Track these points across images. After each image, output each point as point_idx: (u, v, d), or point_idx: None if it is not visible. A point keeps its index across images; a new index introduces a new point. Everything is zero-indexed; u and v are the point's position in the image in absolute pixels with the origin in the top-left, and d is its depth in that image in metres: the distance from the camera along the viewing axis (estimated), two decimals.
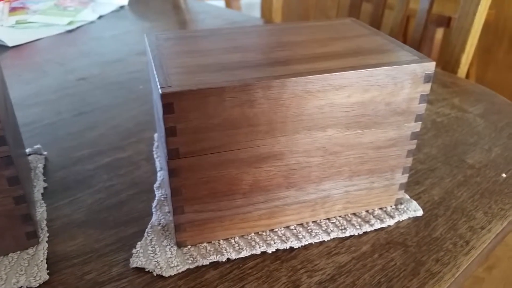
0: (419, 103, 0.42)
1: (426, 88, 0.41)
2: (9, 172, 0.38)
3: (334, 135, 0.41)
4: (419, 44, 1.02)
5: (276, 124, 0.39)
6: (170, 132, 0.36)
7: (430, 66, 0.41)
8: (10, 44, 0.95)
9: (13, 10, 1.13)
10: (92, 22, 1.12)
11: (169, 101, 0.35)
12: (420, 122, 0.43)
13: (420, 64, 0.40)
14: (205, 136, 0.37)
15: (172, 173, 0.38)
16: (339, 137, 0.41)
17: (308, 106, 0.39)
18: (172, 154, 0.37)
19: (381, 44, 0.44)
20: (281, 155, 0.41)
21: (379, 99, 0.40)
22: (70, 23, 1.09)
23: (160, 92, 0.34)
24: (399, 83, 0.40)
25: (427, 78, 0.41)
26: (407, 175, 0.46)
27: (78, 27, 1.08)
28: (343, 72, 0.38)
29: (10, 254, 0.41)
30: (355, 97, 0.40)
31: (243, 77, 0.37)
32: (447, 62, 0.92)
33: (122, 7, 1.24)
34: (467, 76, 0.93)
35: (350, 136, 0.41)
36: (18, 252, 0.42)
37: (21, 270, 0.40)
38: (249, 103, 0.37)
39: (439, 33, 1.80)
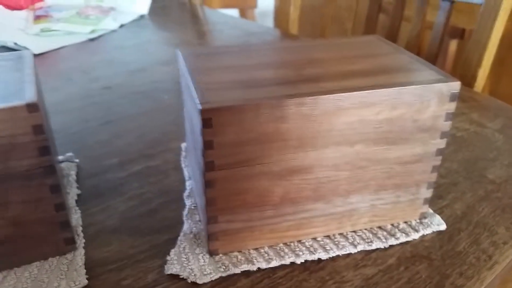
0: (444, 121, 0.43)
1: (452, 106, 0.43)
2: (51, 181, 0.40)
3: (362, 150, 0.42)
4: (435, 57, 1.04)
5: (307, 139, 0.40)
6: (207, 146, 0.38)
7: (455, 86, 0.42)
8: (36, 52, 0.97)
9: (37, 18, 1.16)
10: (113, 31, 1.14)
11: (208, 117, 0.36)
12: (446, 139, 0.44)
13: (446, 83, 0.41)
14: (240, 149, 0.39)
15: (208, 184, 0.40)
16: (367, 152, 0.43)
17: (338, 122, 0.40)
18: (208, 167, 0.39)
19: (407, 63, 0.45)
20: (310, 168, 0.42)
21: (407, 116, 0.42)
22: (92, 31, 1.11)
23: (200, 108, 0.36)
24: (425, 101, 0.42)
25: (453, 97, 0.42)
26: (432, 190, 0.48)
27: (100, 36, 1.11)
28: (373, 91, 0.39)
29: (49, 259, 0.43)
30: (384, 114, 0.41)
31: (277, 94, 0.38)
32: (464, 76, 0.93)
33: (142, 16, 1.27)
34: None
35: (378, 151, 0.43)
36: (57, 257, 0.43)
37: (62, 275, 0.41)
38: (283, 118, 0.39)
39: (453, 45, 1.82)
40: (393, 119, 0.41)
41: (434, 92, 0.41)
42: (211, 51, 0.48)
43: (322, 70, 0.44)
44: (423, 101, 0.41)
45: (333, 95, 0.39)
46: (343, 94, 0.39)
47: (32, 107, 0.36)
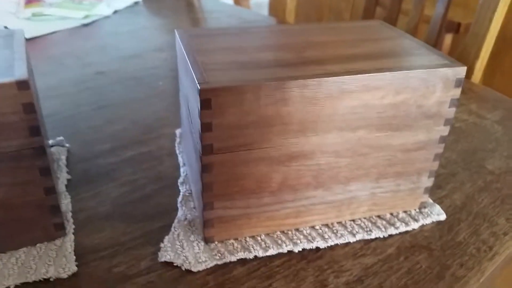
0: (449, 107, 0.42)
1: (457, 92, 0.42)
2: (41, 163, 0.39)
3: (364, 136, 0.41)
4: None
5: (309, 123, 0.39)
6: (206, 128, 0.36)
7: (461, 71, 0.41)
8: (27, 36, 0.95)
9: (29, 2, 1.13)
10: (107, 17, 1.12)
11: (207, 97, 0.35)
12: (449, 126, 0.43)
13: (452, 68, 0.40)
14: (239, 132, 0.37)
15: (205, 168, 0.38)
16: (369, 138, 0.41)
17: (341, 106, 0.39)
18: (206, 150, 0.37)
19: (412, 47, 0.44)
20: (311, 154, 0.41)
21: (411, 101, 0.41)
22: (85, 17, 1.09)
23: (199, 87, 0.34)
24: (431, 86, 0.40)
25: (458, 83, 0.41)
26: (433, 178, 0.47)
27: (93, 21, 1.08)
28: (378, 74, 0.38)
29: (38, 245, 0.42)
30: (388, 99, 0.40)
31: (279, 75, 0.37)
32: None
33: (136, 2, 1.24)
34: None
35: (380, 137, 0.42)
36: (46, 242, 0.42)
37: (50, 261, 0.40)
38: (284, 101, 0.37)
39: (448, 38, 1.81)
40: (397, 104, 0.40)
41: (439, 77, 0.40)
42: (209, 33, 0.47)
43: (324, 53, 0.42)
44: (428, 86, 0.40)
45: (338, 77, 0.37)
46: (347, 76, 0.37)
47: (22, 85, 0.35)
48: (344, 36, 0.47)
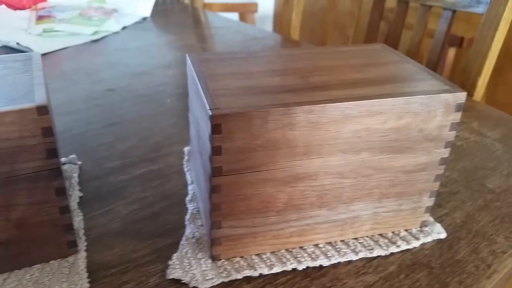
0: (449, 131, 0.44)
1: (457, 116, 0.43)
2: (57, 183, 0.40)
3: (367, 158, 0.43)
4: (435, 65, 1.04)
5: (314, 146, 0.41)
6: (216, 151, 0.38)
7: (461, 96, 0.42)
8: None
9: (40, 18, 1.16)
10: (116, 33, 1.14)
11: (218, 122, 0.37)
12: (449, 149, 0.45)
13: (452, 94, 0.42)
14: (247, 155, 0.39)
15: (214, 189, 0.40)
16: (372, 160, 0.43)
17: (345, 130, 0.40)
18: (215, 172, 0.39)
19: (413, 72, 0.46)
20: (316, 175, 0.42)
21: (413, 125, 0.42)
22: (95, 33, 1.12)
23: (210, 113, 0.36)
24: (432, 111, 0.42)
25: (458, 107, 0.43)
26: (434, 198, 0.48)
27: (102, 37, 1.11)
28: (380, 99, 0.40)
29: (51, 262, 0.43)
30: (390, 123, 0.41)
31: (286, 101, 0.39)
32: (463, 85, 0.94)
33: (144, 18, 1.27)
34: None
35: (383, 160, 0.43)
36: (59, 260, 0.43)
37: (63, 278, 0.41)
38: (290, 126, 0.39)
39: (451, 52, 1.83)
40: (399, 128, 0.42)
41: (440, 102, 0.42)
42: (219, 57, 0.49)
43: (330, 78, 0.44)
44: (430, 110, 0.42)
45: (341, 103, 0.39)
46: (351, 102, 0.39)
47: (42, 110, 0.36)
48: (348, 61, 0.48)
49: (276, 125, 0.38)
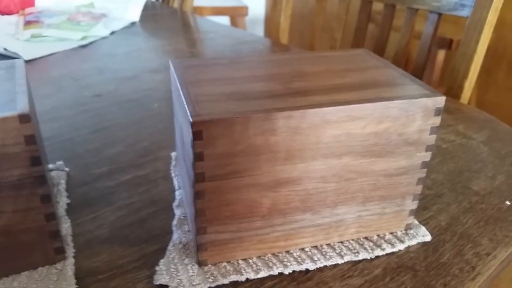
0: (429, 134, 0.44)
1: (437, 120, 0.44)
2: (42, 191, 0.41)
3: (349, 162, 0.43)
4: (423, 67, 1.05)
5: (295, 151, 0.41)
6: (198, 157, 0.38)
7: (440, 101, 0.43)
8: (26, 58, 0.97)
9: (28, 23, 1.16)
10: (104, 38, 1.15)
11: (199, 129, 0.37)
12: (430, 152, 0.45)
13: (431, 98, 0.43)
14: (229, 161, 0.40)
15: (198, 195, 0.40)
16: (354, 164, 0.43)
17: (325, 135, 0.41)
18: (198, 178, 0.39)
19: (393, 77, 0.47)
20: (298, 180, 0.43)
21: (392, 130, 0.43)
22: (83, 38, 1.12)
23: (191, 120, 0.37)
24: (411, 115, 0.43)
25: (438, 112, 0.43)
26: (417, 201, 0.49)
27: (91, 42, 1.11)
28: (360, 105, 0.40)
29: (39, 268, 0.43)
30: (370, 128, 0.42)
31: (266, 107, 0.39)
32: (450, 87, 0.95)
33: (133, 23, 1.27)
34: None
35: (364, 163, 0.44)
36: (47, 266, 0.44)
37: (51, 284, 0.41)
38: (271, 131, 0.39)
39: (441, 54, 1.85)
40: (379, 132, 0.42)
41: (419, 106, 0.42)
42: (202, 63, 0.49)
43: (310, 83, 0.44)
44: (409, 115, 0.42)
45: (321, 108, 0.40)
46: (330, 107, 0.40)
47: (24, 118, 0.37)
48: (330, 66, 0.49)
49: (257, 130, 0.39)
